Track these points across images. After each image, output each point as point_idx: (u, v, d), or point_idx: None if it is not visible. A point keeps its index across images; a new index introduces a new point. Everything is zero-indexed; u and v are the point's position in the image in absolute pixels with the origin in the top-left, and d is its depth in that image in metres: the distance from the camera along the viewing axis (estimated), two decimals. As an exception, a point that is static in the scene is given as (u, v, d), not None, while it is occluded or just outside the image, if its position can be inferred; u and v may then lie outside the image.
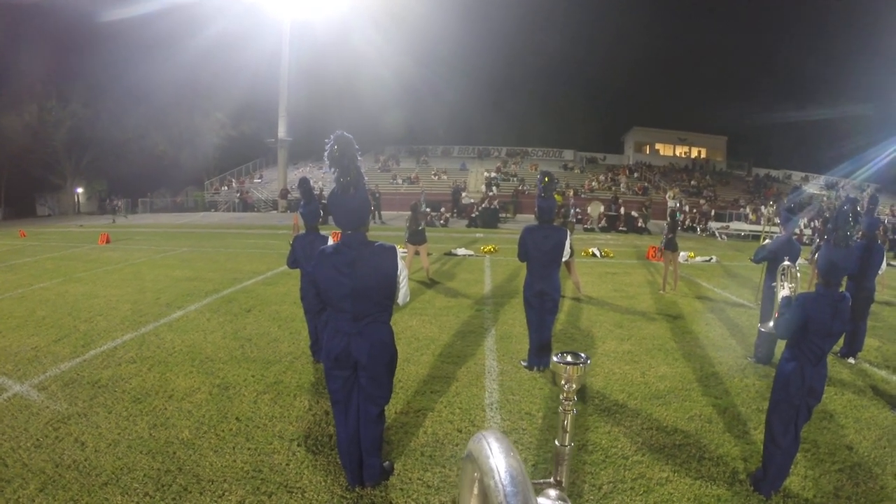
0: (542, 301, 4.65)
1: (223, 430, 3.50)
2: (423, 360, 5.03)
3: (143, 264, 11.05)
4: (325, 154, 2.50)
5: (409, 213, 9.44)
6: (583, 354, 1.63)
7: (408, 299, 2.87)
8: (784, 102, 49.62)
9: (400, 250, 2.79)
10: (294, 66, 29.57)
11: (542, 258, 4.60)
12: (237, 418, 3.69)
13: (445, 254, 12.69)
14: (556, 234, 4.60)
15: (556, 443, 1.64)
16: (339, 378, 2.73)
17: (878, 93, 36.20)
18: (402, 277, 2.73)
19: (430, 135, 43.55)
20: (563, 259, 4.73)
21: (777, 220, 6.83)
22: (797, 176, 41.95)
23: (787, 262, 4.35)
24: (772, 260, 5.34)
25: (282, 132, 29.75)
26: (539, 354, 4.77)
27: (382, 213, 23.43)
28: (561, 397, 1.63)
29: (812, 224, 20.00)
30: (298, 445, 3.33)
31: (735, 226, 23.78)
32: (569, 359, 1.62)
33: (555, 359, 1.65)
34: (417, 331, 6.02)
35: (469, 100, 43.47)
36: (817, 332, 2.76)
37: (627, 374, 4.79)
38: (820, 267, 2.81)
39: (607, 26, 51.03)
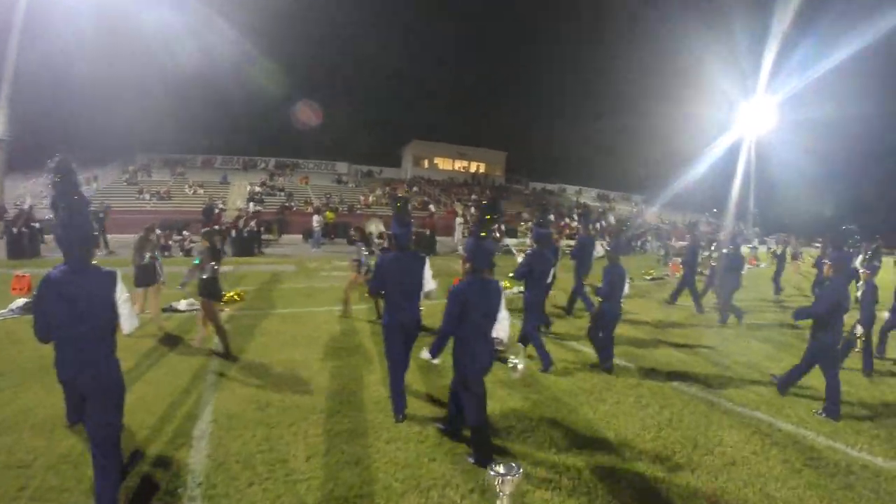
0: (405, 333, 4.47)
1: None
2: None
3: None
4: (48, 179, 2.82)
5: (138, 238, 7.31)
6: (514, 465, 2.18)
7: (136, 324, 3.08)
8: (558, 120, 58.02)
9: (123, 294, 2.94)
10: (30, 47, 22.25)
11: (402, 287, 4.44)
12: None
13: (164, 309, 8.15)
14: (416, 261, 4.54)
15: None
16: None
17: (646, 110, 44.44)
18: (121, 301, 2.93)
19: (190, 143, 39.50)
20: (426, 290, 4.61)
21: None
22: (571, 189, 48.83)
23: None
24: (529, 274, 6.09)
25: (-1, 129, 22.37)
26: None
27: (115, 236, 17.39)
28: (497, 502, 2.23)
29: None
30: None
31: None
32: (501, 470, 2.17)
33: (490, 473, 2.18)
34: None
35: (236, 106, 40.23)
36: (475, 312, 3.57)
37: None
38: (468, 256, 3.79)
39: (384, 34, 52.90)
